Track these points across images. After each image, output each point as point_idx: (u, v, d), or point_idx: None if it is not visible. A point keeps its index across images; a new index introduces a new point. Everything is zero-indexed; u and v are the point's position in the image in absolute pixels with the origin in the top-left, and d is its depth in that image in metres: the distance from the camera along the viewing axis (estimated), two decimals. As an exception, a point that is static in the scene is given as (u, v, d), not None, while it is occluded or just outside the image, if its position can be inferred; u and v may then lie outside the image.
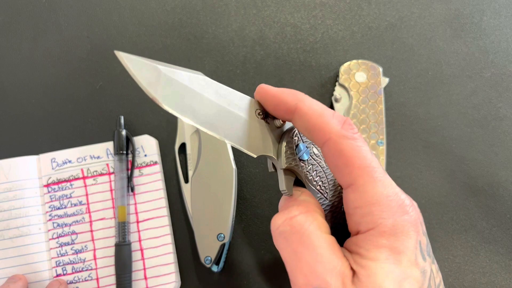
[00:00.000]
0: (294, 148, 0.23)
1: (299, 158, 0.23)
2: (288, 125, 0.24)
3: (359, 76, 0.38)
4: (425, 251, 0.20)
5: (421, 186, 0.39)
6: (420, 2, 0.42)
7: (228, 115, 0.22)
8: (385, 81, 0.39)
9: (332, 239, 0.20)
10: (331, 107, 0.39)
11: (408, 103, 0.40)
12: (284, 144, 0.23)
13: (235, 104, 0.23)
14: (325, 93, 0.41)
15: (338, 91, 0.39)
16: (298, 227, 0.20)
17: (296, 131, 0.24)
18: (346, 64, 0.39)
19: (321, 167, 0.24)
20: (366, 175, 0.20)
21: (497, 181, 0.39)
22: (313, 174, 0.23)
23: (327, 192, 0.24)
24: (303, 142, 0.24)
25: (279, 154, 0.23)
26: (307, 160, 0.23)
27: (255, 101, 0.24)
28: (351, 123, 0.21)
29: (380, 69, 0.38)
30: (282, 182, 0.23)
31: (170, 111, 0.21)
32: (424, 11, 0.42)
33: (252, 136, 0.23)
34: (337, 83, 0.39)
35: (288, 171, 0.23)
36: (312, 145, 0.24)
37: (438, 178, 0.39)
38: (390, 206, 0.19)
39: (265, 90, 0.23)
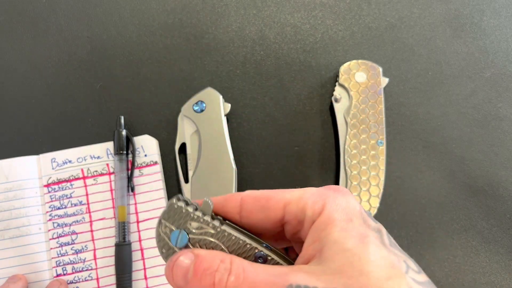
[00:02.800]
0: (168, 241, 0.21)
1: (179, 248, 0.21)
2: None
3: (359, 76, 0.38)
4: (371, 218, 0.20)
5: (421, 186, 0.39)
6: (420, 2, 0.42)
7: None
8: (385, 81, 0.39)
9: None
10: (331, 107, 0.40)
11: (408, 103, 0.40)
12: (157, 245, 0.22)
13: None
14: (325, 93, 0.41)
15: (338, 91, 0.39)
16: (232, 266, 0.20)
17: (163, 223, 0.21)
18: (346, 64, 0.39)
19: (211, 236, 0.21)
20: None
21: (497, 181, 0.39)
22: (211, 244, 0.21)
23: (245, 247, 0.21)
24: (176, 227, 0.21)
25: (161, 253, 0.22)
26: (190, 241, 0.21)
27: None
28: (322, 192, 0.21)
29: (380, 69, 0.38)
30: None
31: None
32: (424, 11, 0.42)
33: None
34: (337, 83, 0.39)
35: None
36: (190, 221, 0.21)
37: (438, 178, 0.39)
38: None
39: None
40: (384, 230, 0.19)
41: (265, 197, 0.21)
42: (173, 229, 0.21)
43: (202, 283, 0.19)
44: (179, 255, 0.20)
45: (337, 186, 0.21)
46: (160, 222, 0.21)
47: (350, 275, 0.17)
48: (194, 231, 0.21)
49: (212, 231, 0.21)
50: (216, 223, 0.21)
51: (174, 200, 0.21)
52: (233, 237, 0.21)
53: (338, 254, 0.18)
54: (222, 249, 0.21)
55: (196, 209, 0.21)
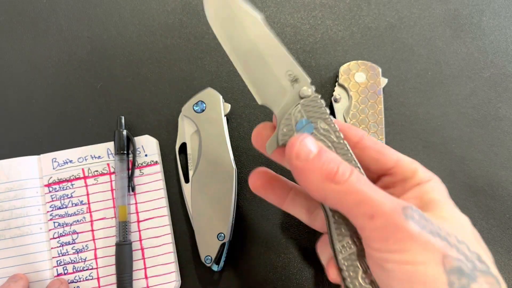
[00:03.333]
0: (294, 124, 0.23)
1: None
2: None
3: (359, 77, 0.39)
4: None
5: (420, 186, 0.39)
6: (419, 2, 0.42)
7: (259, 59, 0.24)
8: (384, 81, 0.39)
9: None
10: (331, 107, 0.40)
11: (408, 103, 0.40)
12: (282, 121, 0.23)
13: (272, 54, 0.24)
14: (324, 94, 0.41)
15: (337, 92, 0.39)
16: (360, 176, 0.22)
17: (299, 107, 0.23)
18: (345, 65, 0.39)
19: (331, 142, 0.23)
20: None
21: (497, 181, 0.39)
22: None
23: None
24: (306, 117, 0.23)
25: (277, 128, 0.23)
26: (311, 135, 0.23)
27: (293, 62, 0.24)
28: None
29: (380, 70, 0.39)
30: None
31: (213, 27, 0.24)
32: (423, 12, 0.42)
33: (268, 85, 0.24)
34: (336, 84, 0.39)
35: None
36: (319, 120, 0.23)
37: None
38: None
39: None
40: None
41: (383, 145, 0.24)
42: (304, 117, 0.23)
43: (324, 166, 0.21)
44: (308, 136, 0.22)
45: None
46: (296, 105, 0.23)
47: (454, 227, 0.21)
48: (320, 129, 0.23)
49: (335, 139, 0.23)
50: (340, 135, 0.23)
51: (319, 95, 0.23)
52: (350, 154, 0.23)
53: (444, 211, 0.22)
54: None
55: (329, 114, 0.23)
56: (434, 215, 0.21)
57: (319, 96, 0.23)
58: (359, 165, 0.23)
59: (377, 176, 0.25)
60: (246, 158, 0.40)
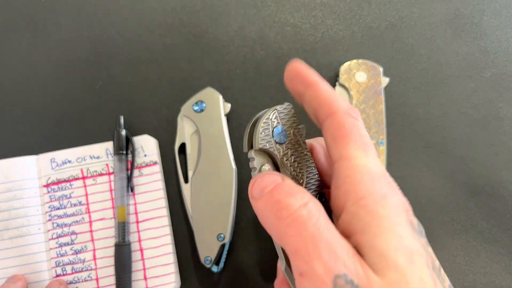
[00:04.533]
0: (271, 130, 0.23)
1: (275, 141, 0.23)
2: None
3: (359, 76, 0.38)
4: (418, 231, 0.20)
5: (421, 186, 0.39)
6: (420, 2, 0.42)
7: None
8: (385, 81, 0.38)
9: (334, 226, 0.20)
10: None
11: (408, 103, 0.40)
12: (260, 124, 0.23)
13: None
14: (325, 93, 0.40)
15: (338, 91, 0.39)
16: (314, 212, 0.19)
17: (276, 113, 0.23)
18: (346, 64, 0.39)
19: (299, 153, 0.23)
20: (361, 149, 0.21)
21: (498, 181, 0.39)
22: (289, 159, 0.23)
23: (302, 179, 0.23)
24: (281, 125, 0.23)
25: (254, 134, 0.23)
26: (285, 143, 0.23)
27: None
28: (357, 110, 0.22)
29: (380, 69, 0.38)
30: (254, 161, 0.23)
31: None
32: (424, 11, 0.42)
33: None
34: (337, 83, 0.39)
35: (263, 153, 0.23)
36: (291, 129, 0.24)
37: (438, 178, 0.39)
38: (381, 181, 0.20)
39: (297, 70, 0.24)
40: (429, 249, 0.19)
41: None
42: (280, 123, 0.24)
43: (274, 206, 0.20)
44: (271, 173, 0.22)
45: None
46: (274, 110, 0.24)
47: None
48: (292, 139, 0.24)
49: (303, 151, 0.24)
50: (306, 147, 0.24)
51: (291, 105, 0.24)
52: (312, 168, 0.24)
53: (387, 270, 0.17)
54: (300, 169, 0.23)
55: (298, 124, 0.24)
56: (376, 279, 0.18)
57: (291, 106, 0.24)
58: (319, 179, 0.24)
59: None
60: (246, 158, 0.39)
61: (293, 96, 0.24)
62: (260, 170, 0.23)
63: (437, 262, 0.20)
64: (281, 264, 0.22)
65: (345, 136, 0.21)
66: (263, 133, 0.23)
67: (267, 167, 0.23)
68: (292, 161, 0.23)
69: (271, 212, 0.20)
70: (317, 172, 0.24)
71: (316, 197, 0.23)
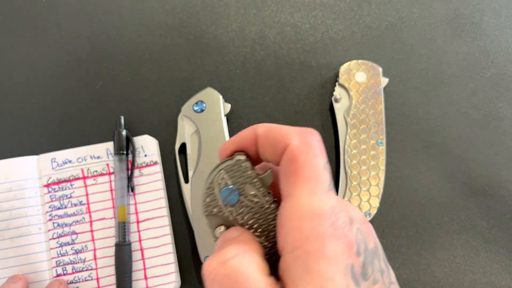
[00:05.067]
0: (217, 193, 0.21)
1: (224, 204, 0.21)
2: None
3: (359, 76, 0.38)
4: (359, 274, 0.18)
5: (421, 186, 0.39)
6: (420, 2, 0.42)
7: None
8: (385, 81, 0.39)
9: (271, 281, 0.18)
10: (331, 107, 0.39)
11: (408, 103, 0.40)
12: (204, 191, 0.21)
13: None
14: (325, 93, 0.41)
15: (338, 91, 0.39)
16: (234, 272, 0.18)
17: (223, 173, 0.21)
18: (346, 64, 0.39)
19: (259, 208, 0.21)
20: (307, 186, 0.19)
21: (498, 181, 0.39)
22: (245, 218, 0.21)
23: (266, 235, 0.21)
24: (232, 184, 0.21)
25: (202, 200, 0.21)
26: (237, 203, 0.21)
27: None
28: (313, 131, 0.20)
29: (380, 69, 0.38)
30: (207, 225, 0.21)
31: None
32: (424, 11, 0.42)
33: None
34: (337, 83, 0.39)
35: (216, 215, 0.21)
36: (245, 185, 0.21)
37: (438, 178, 0.39)
38: (322, 224, 0.18)
39: (227, 142, 0.22)
40: None
41: (276, 130, 0.20)
42: (229, 184, 0.21)
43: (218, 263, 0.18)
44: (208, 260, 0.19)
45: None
46: (219, 171, 0.21)
47: None
48: (248, 196, 0.21)
49: (264, 204, 0.21)
50: (270, 199, 0.21)
51: (241, 157, 0.21)
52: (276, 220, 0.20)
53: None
54: (261, 224, 0.21)
55: (257, 176, 0.21)
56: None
57: (242, 159, 0.21)
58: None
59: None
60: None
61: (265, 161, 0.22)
62: (215, 234, 0.21)
63: None
64: None
65: (295, 171, 0.19)
66: (208, 199, 0.21)
67: (222, 229, 0.21)
68: (250, 219, 0.21)
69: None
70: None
71: None
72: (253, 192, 0.21)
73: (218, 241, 0.21)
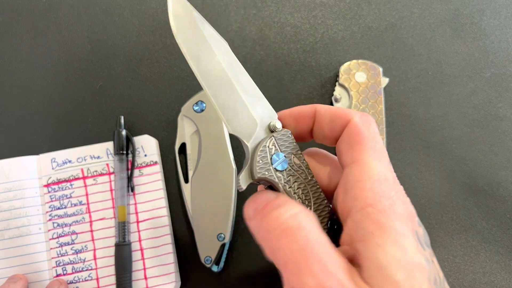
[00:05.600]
0: (269, 158, 0.22)
1: (274, 168, 0.22)
2: (257, 138, 0.23)
3: (359, 76, 0.38)
4: (423, 241, 0.19)
5: (421, 186, 0.39)
6: (420, 2, 0.42)
7: (229, 85, 0.23)
8: (385, 81, 0.39)
9: (328, 238, 0.19)
10: (331, 107, 0.40)
11: (408, 103, 0.40)
12: (257, 153, 0.22)
13: (240, 82, 0.23)
14: (325, 93, 0.41)
15: (338, 91, 0.39)
16: (304, 224, 0.19)
17: (274, 140, 0.22)
18: (346, 64, 0.39)
19: (303, 179, 0.22)
20: (375, 155, 0.20)
21: (497, 181, 0.39)
22: (293, 186, 0.22)
23: (310, 206, 0.22)
24: (281, 151, 0.22)
25: (251, 162, 0.22)
26: (285, 170, 0.22)
27: (262, 96, 0.24)
28: (370, 116, 0.23)
29: (380, 69, 0.38)
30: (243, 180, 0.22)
31: (180, 46, 0.22)
32: (424, 11, 0.42)
33: (238, 114, 0.23)
34: (337, 83, 0.39)
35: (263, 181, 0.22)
36: (292, 155, 0.22)
37: (438, 178, 0.39)
38: (390, 189, 0.19)
39: (285, 111, 0.24)
40: (430, 261, 0.19)
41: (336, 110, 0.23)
42: (279, 151, 0.22)
43: (263, 221, 0.20)
44: (265, 191, 0.22)
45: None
46: (272, 136, 0.22)
47: None
48: (293, 165, 0.22)
49: (307, 176, 0.22)
50: (311, 172, 0.23)
51: (289, 131, 0.23)
52: (319, 193, 0.22)
53: (384, 285, 0.17)
54: (306, 195, 0.22)
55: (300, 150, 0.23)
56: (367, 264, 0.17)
57: (289, 132, 0.23)
58: (330, 205, 0.23)
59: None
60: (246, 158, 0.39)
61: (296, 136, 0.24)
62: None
63: (441, 274, 0.19)
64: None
65: (360, 141, 0.21)
66: (260, 161, 0.22)
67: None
68: (296, 188, 0.22)
69: (262, 228, 0.20)
70: (325, 198, 0.22)
71: (326, 224, 0.22)
72: (298, 163, 0.22)
73: (260, 197, 0.22)
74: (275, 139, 0.22)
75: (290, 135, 0.23)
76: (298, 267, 0.17)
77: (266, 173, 0.22)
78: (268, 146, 0.22)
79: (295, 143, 0.23)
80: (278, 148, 0.22)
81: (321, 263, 0.17)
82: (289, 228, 0.19)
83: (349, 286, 0.17)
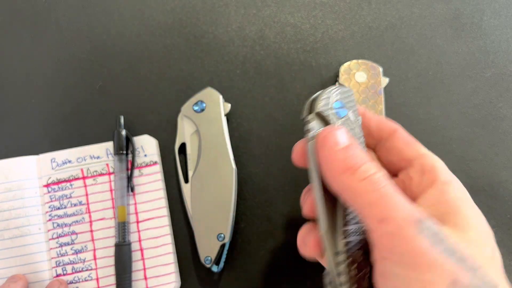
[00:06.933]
0: (332, 102, 0.24)
1: (334, 113, 0.24)
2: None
3: (359, 76, 0.38)
4: None
5: (421, 186, 0.39)
6: (420, 2, 0.42)
7: None
8: (385, 81, 0.38)
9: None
10: (331, 107, 0.39)
11: (408, 103, 0.40)
12: (322, 94, 0.24)
13: None
14: (325, 93, 0.40)
15: (338, 91, 0.39)
16: (385, 179, 0.21)
17: (339, 90, 0.24)
18: (346, 64, 0.39)
19: (355, 133, 0.24)
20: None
21: (498, 181, 0.39)
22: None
23: None
24: (341, 101, 0.24)
25: (315, 101, 0.24)
26: (342, 118, 0.24)
27: None
28: None
29: (380, 69, 0.38)
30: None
31: None
32: (424, 11, 0.42)
33: None
34: (337, 83, 0.39)
35: (320, 121, 0.24)
36: (351, 110, 0.24)
37: (438, 178, 0.39)
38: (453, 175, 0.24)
39: (370, 112, 0.27)
40: None
41: (413, 139, 0.26)
42: (340, 100, 0.24)
43: (347, 160, 0.21)
44: (341, 129, 0.23)
45: None
46: (336, 87, 0.25)
47: (474, 247, 0.20)
48: (350, 119, 0.24)
49: (358, 133, 0.25)
50: (362, 132, 0.25)
51: (352, 91, 0.25)
52: (365, 151, 0.24)
53: (468, 229, 0.20)
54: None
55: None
56: (454, 229, 0.20)
57: (352, 91, 0.25)
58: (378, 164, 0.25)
59: (398, 168, 0.25)
60: (246, 158, 0.39)
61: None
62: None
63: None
64: (321, 227, 0.23)
65: (415, 141, 0.25)
66: (324, 100, 0.24)
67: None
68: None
69: (343, 167, 0.21)
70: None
71: None
72: (354, 118, 0.25)
73: (337, 129, 0.23)
74: (340, 90, 0.25)
75: (352, 95, 0.25)
76: (387, 203, 0.20)
77: (329, 112, 0.24)
78: (333, 93, 0.24)
79: (354, 102, 0.25)
80: (340, 97, 0.24)
81: (406, 203, 0.20)
82: (374, 179, 0.21)
83: (435, 220, 0.20)
